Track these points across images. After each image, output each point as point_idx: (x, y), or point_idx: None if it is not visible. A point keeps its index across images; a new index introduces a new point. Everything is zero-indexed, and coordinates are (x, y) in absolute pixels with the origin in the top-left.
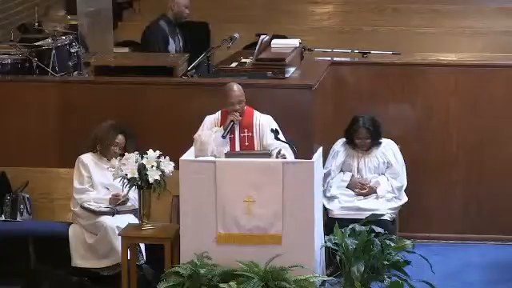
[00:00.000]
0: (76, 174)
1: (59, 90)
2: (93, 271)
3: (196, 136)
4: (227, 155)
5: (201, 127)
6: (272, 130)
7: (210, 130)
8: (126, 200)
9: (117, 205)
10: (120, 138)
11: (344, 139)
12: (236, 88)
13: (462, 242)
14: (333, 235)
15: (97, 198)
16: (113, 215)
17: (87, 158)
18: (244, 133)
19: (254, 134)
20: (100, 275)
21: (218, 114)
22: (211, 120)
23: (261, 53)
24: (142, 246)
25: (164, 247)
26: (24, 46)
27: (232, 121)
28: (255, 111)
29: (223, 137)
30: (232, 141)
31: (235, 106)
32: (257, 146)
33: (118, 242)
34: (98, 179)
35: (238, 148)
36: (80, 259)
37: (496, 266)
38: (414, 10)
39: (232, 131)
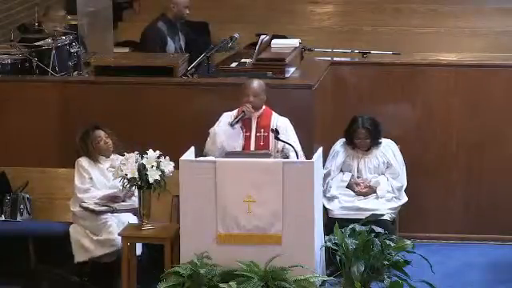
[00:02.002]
0: (77, 175)
1: (59, 90)
2: (94, 261)
3: (211, 130)
4: (227, 155)
5: (217, 122)
6: (272, 130)
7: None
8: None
9: (116, 202)
10: (98, 132)
11: (344, 139)
12: (255, 82)
13: (462, 242)
14: (333, 235)
15: (102, 196)
16: (112, 213)
17: (85, 161)
18: (260, 132)
19: (270, 135)
20: (100, 266)
21: (235, 111)
22: (228, 115)
23: (261, 53)
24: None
25: (164, 247)
26: (24, 46)
27: (243, 111)
28: (274, 112)
29: (231, 124)
30: (247, 139)
31: (249, 98)
32: (271, 147)
33: (115, 230)
34: (99, 180)
35: (252, 146)
36: (81, 255)
37: (496, 266)
38: (414, 10)
39: (248, 129)
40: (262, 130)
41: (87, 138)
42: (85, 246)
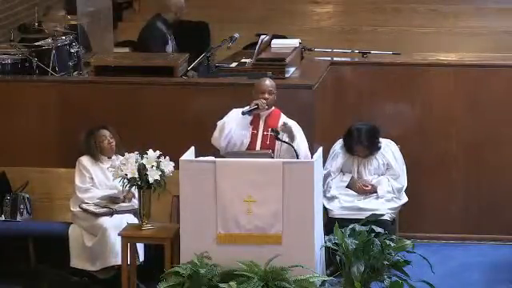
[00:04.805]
0: (77, 175)
1: (59, 90)
2: (91, 273)
3: (219, 122)
4: (227, 155)
5: (225, 116)
6: (272, 130)
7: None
8: (128, 199)
9: (115, 203)
10: (103, 132)
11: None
12: (268, 80)
13: (461, 242)
14: (333, 235)
15: (101, 196)
16: (111, 215)
17: (86, 160)
18: (267, 131)
19: None
20: (98, 279)
21: (246, 107)
22: (238, 111)
23: (261, 53)
24: (140, 245)
25: (164, 247)
26: (24, 46)
27: (257, 104)
28: (282, 114)
29: (243, 113)
30: (254, 137)
31: (264, 95)
32: (277, 147)
33: (114, 244)
34: (100, 180)
35: (258, 144)
36: (77, 260)
37: (496, 265)
38: (414, 10)
39: (256, 127)
40: (269, 130)
41: (91, 137)
42: (80, 253)
